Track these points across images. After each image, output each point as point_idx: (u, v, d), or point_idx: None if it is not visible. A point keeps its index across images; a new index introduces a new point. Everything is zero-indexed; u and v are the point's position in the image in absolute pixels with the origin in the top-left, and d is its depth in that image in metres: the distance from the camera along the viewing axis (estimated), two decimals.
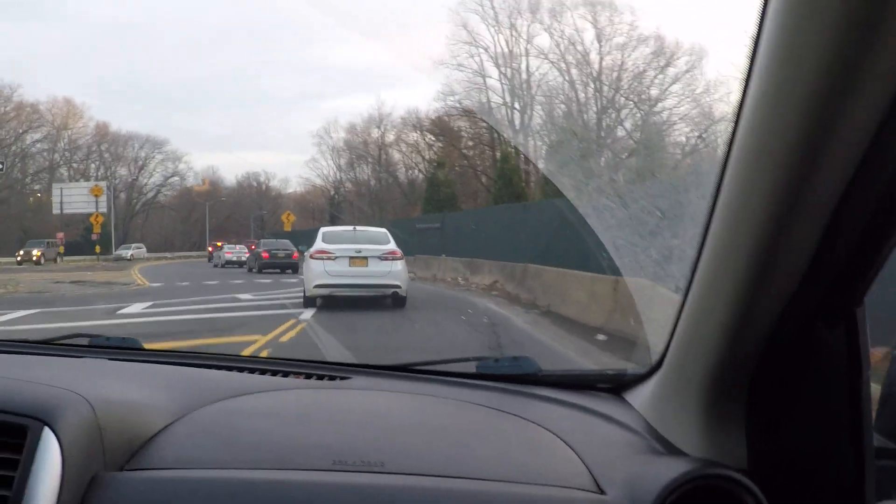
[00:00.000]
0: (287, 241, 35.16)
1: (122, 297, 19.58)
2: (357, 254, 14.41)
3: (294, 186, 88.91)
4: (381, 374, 2.04)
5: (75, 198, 58.19)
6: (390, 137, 65.49)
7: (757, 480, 1.18)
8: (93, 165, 76.81)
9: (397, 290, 14.30)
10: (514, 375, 1.94)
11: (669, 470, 1.21)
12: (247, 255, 36.92)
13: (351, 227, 16.67)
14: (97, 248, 54.19)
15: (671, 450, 1.47)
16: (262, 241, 37.44)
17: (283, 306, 14.95)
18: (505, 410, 1.72)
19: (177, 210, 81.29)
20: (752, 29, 0.98)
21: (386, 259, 14.48)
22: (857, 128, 0.92)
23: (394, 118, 67.71)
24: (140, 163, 79.61)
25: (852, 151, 0.95)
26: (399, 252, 14.79)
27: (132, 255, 55.14)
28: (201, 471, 1.29)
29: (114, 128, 77.55)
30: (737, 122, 1.05)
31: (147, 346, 2.19)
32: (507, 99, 50.08)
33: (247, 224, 73.31)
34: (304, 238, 30.75)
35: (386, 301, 14.62)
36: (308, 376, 1.95)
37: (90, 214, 57.34)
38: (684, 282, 1.38)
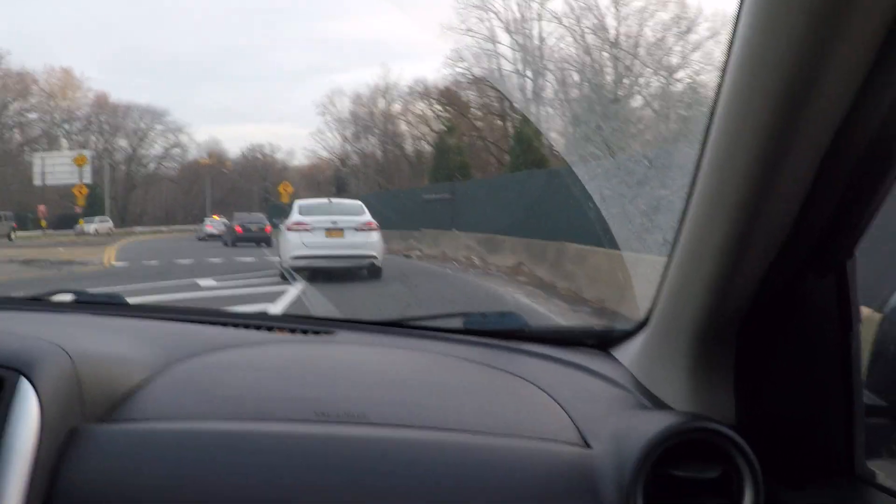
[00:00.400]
0: (260, 215, 35.41)
1: (64, 281, 16.59)
2: (333, 225, 14.66)
3: (300, 159, 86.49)
4: (367, 328, 2.03)
5: (58, 168, 53.14)
6: (397, 108, 61.67)
7: (745, 435, 1.17)
8: (93, 137, 72.61)
9: (374, 260, 14.55)
10: (502, 331, 1.94)
11: (655, 424, 1.20)
12: None
13: (326, 200, 17.18)
14: (80, 222, 49.86)
15: (658, 405, 1.46)
16: (235, 214, 36.89)
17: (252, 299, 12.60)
18: (491, 365, 1.71)
19: (178, 182, 77.67)
20: None
21: (362, 230, 14.70)
22: (844, 74, 0.90)
23: (400, 88, 65.53)
24: (140, 134, 75.83)
25: (841, 97, 0.93)
26: (374, 223, 14.97)
27: (96, 229, 50.63)
28: (181, 422, 1.29)
29: (114, 99, 74.00)
30: (724, 70, 1.03)
31: (132, 301, 2.19)
32: (520, 66, 47.05)
33: (251, 196, 69.53)
34: None
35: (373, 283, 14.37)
36: (293, 331, 1.95)
37: (73, 185, 52.41)
38: (672, 234, 1.35)
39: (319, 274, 14.03)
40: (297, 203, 16.31)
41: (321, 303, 9.73)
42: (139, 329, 1.83)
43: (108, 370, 1.38)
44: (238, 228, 31.65)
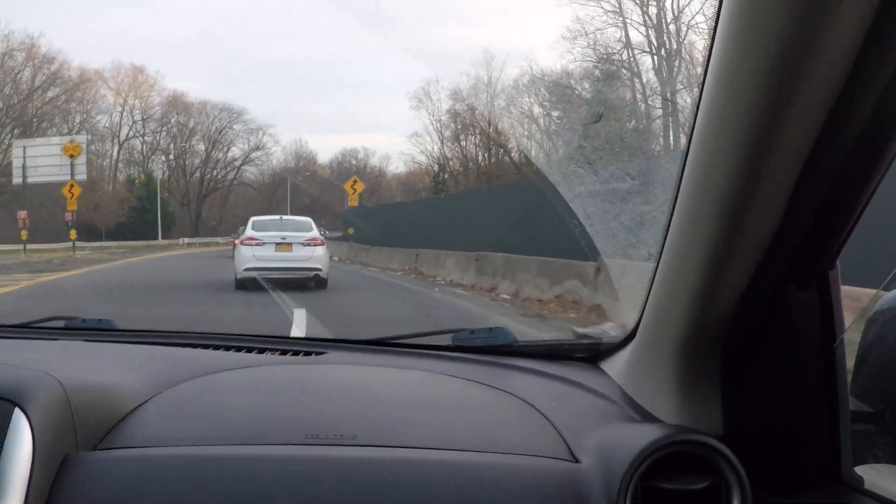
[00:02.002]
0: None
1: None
2: (282, 240, 16.18)
3: (395, 163, 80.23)
4: (357, 348, 2.04)
5: (41, 160, 41.30)
6: (500, 103, 55.74)
7: (732, 446, 1.18)
8: (164, 138, 68.52)
9: (318, 272, 16.05)
10: (490, 347, 1.95)
11: (643, 436, 1.21)
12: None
13: (278, 217, 18.85)
14: (72, 234, 38.72)
15: (646, 417, 1.47)
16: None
17: None
18: (480, 381, 1.72)
19: (260, 189, 71.36)
20: None
21: (308, 245, 16.26)
22: (820, 86, 0.91)
23: (504, 81, 56.44)
24: (213, 136, 69.99)
25: (817, 110, 0.94)
26: (320, 239, 16.76)
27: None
28: (173, 448, 1.30)
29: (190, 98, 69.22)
30: (702, 86, 1.05)
31: (122, 327, 2.19)
32: (653, 39, 41.20)
33: (343, 204, 63.32)
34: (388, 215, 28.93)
35: None
36: (283, 352, 1.96)
37: (63, 184, 39.93)
38: (657, 249, 1.37)
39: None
40: (252, 219, 17.91)
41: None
42: (130, 354, 1.84)
43: (101, 398, 1.39)
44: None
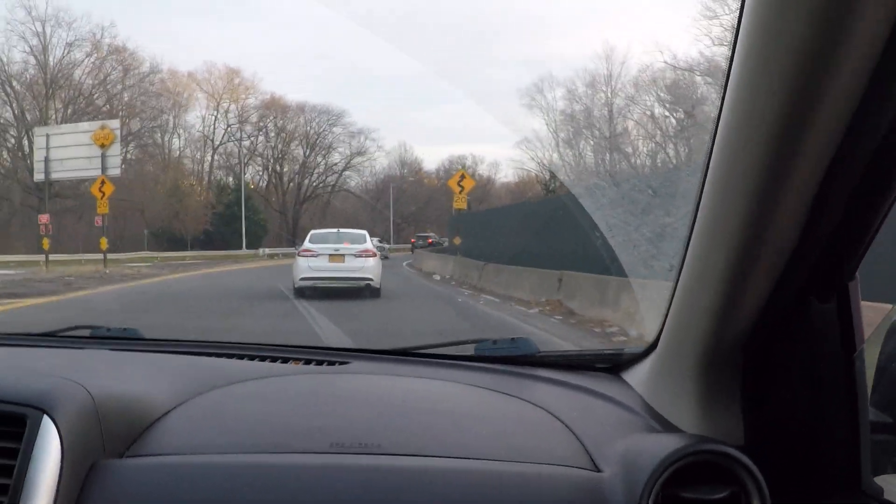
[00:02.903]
0: (430, 234, 34.57)
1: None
2: (335, 251, 17.22)
3: (504, 170, 76.02)
4: (380, 358, 2.06)
5: (68, 152, 33.75)
6: (619, 101, 50.58)
7: (753, 456, 1.18)
8: (261, 140, 65.09)
9: (370, 282, 16.95)
10: (513, 357, 1.96)
11: (664, 446, 1.21)
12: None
13: (335, 230, 19.85)
14: (102, 244, 30.89)
15: (667, 427, 1.48)
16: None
17: None
18: (503, 391, 1.73)
19: (360, 196, 68.63)
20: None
21: (360, 256, 17.23)
22: (840, 100, 0.93)
23: (625, 77, 53.11)
24: (312, 138, 66.34)
25: (836, 124, 0.95)
26: (372, 250, 17.73)
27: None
28: (199, 456, 1.31)
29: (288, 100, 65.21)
30: (723, 100, 1.06)
31: (147, 336, 2.20)
32: None
33: (450, 212, 58.22)
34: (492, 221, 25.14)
35: None
36: (307, 362, 1.98)
37: (93, 181, 32.91)
38: (677, 260, 1.38)
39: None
40: (311, 232, 19.30)
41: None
42: (156, 363, 1.86)
43: (127, 406, 1.41)
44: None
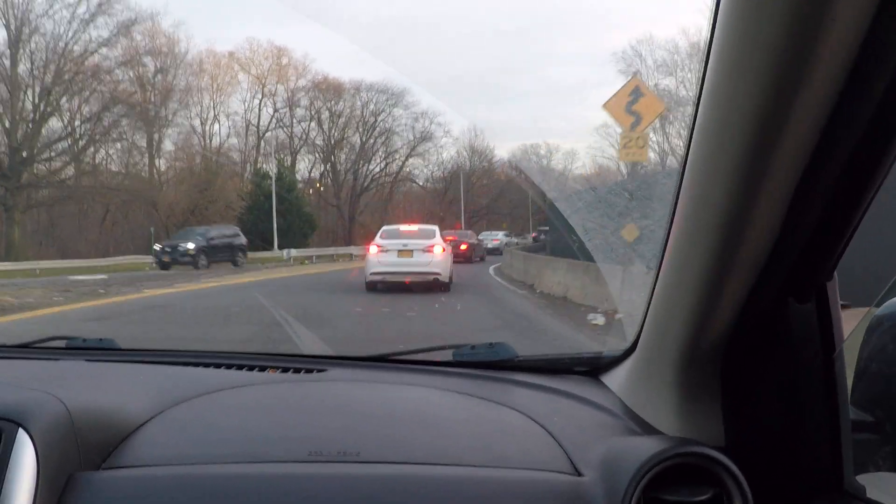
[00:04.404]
0: (469, 233, 33.21)
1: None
2: (404, 247, 17.66)
3: (582, 159, 68.02)
4: (358, 365, 2.06)
5: None
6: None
7: (734, 457, 1.19)
8: (313, 126, 57.08)
9: (437, 276, 17.28)
10: (492, 362, 1.96)
11: (645, 449, 1.22)
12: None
13: (405, 226, 20.38)
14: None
15: (648, 430, 1.48)
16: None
17: None
18: (482, 397, 1.73)
19: (426, 187, 61.14)
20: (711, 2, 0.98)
21: (427, 251, 17.60)
22: (815, 102, 0.93)
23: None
24: (369, 118, 57.80)
25: (812, 126, 0.96)
26: (437, 245, 17.95)
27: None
28: (177, 467, 1.31)
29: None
30: (698, 103, 1.06)
31: (123, 346, 2.19)
32: None
33: (523, 204, 52.34)
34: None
35: None
36: (285, 370, 1.97)
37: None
38: (655, 262, 1.38)
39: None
40: (383, 228, 19.75)
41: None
42: (132, 374, 1.86)
43: (103, 417, 1.40)
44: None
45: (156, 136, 49.94)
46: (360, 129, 58.66)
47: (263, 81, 56.07)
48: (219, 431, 1.49)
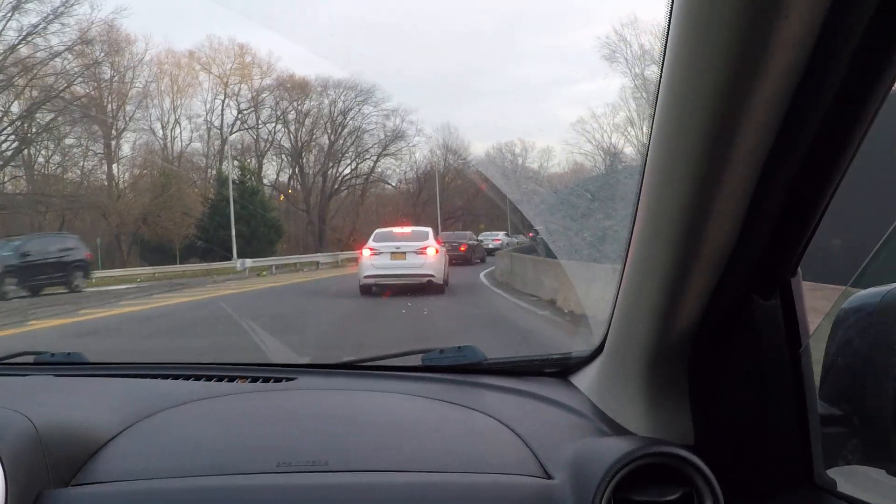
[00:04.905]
0: (468, 233, 32.31)
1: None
2: (397, 249, 17.52)
3: (558, 158, 62.23)
4: (326, 373, 2.05)
5: None
6: None
7: (703, 455, 1.19)
8: (279, 128, 54.02)
9: (431, 278, 17.07)
10: (460, 365, 1.96)
11: (614, 450, 1.22)
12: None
13: (398, 228, 20.22)
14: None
15: (617, 430, 1.48)
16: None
17: None
18: (450, 401, 1.73)
19: (400, 188, 58.05)
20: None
21: (420, 253, 17.47)
22: (772, 97, 0.93)
23: None
24: (337, 117, 54.77)
25: (770, 123, 0.96)
26: (430, 247, 17.77)
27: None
28: (146, 482, 1.30)
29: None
30: (657, 100, 1.07)
31: (92, 360, 2.17)
32: None
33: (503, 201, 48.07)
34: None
35: None
36: (253, 380, 1.96)
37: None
38: (619, 263, 1.39)
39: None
40: (375, 231, 19.56)
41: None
42: (100, 388, 1.84)
43: (72, 433, 1.38)
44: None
45: (114, 143, 47.11)
46: (329, 129, 56.03)
47: (226, 81, 53.41)
48: (188, 444, 1.48)
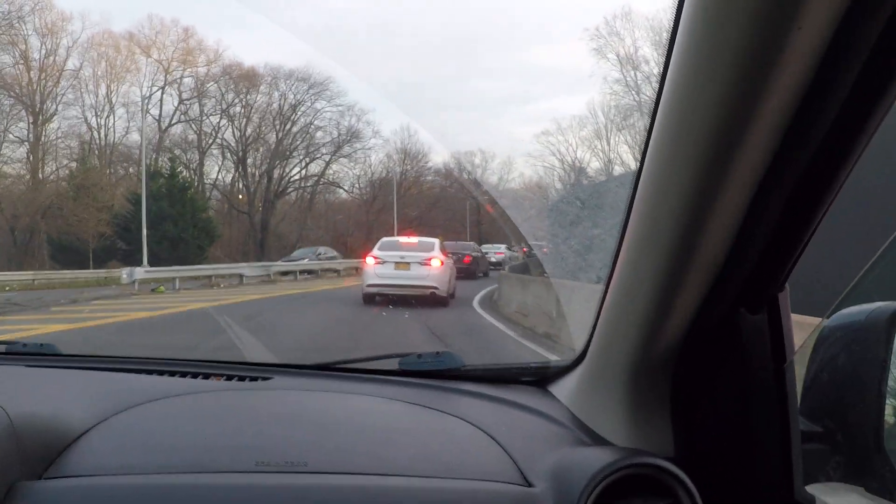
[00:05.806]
0: (470, 244, 31.70)
1: None
2: (401, 259, 17.41)
3: (520, 169, 61.55)
4: (303, 373, 2.03)
5: None
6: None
7: (683, 467, 1.19)
8: (224, 122, 49.90)
9: (435, 290, 16.87)
10: (438, 371, 1.95)
11: (596, 460, 1.22)
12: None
13: (404, 238, 20.22)
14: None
15: (596, 440, 1.48)
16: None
17: None
18: (428, 406, 1.72)
19: (353, 194, 54.39)
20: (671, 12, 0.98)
21: (424, 264, 17.32)
22: (774, 113, 0.93)
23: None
24: (287, 112, 50.93)
25: (768, 139, 0.96)
26: (436, 258, 17.62)
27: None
28: (120, 477, 1.28)
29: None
30: (655, 111, 1.06)
31: (65, 351, 2.14)
32: None
33: (459, 215, 49.02)
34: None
35: None
36: (229, 378, 1.94)
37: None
38: (605, 272, 1.38)
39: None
40: (381, 240, 19.51)
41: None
42: (74, 380, 1.81)
43: (45, 425, 1.36)
44: None
45: (41, 129, 44.13)
46: (277, 125, 51.97)
47: (167, 67, 48.61)
48: (163, 440, 1.45)
